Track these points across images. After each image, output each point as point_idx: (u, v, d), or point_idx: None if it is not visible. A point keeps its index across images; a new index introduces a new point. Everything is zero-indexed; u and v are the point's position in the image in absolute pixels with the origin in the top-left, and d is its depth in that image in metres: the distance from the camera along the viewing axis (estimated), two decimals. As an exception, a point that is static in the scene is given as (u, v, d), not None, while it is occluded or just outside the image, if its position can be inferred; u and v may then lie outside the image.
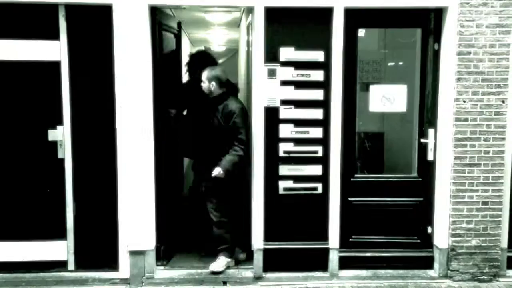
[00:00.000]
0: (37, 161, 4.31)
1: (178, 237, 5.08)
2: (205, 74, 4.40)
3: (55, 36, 4.17)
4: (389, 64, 5.00)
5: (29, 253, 4.32)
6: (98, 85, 4.29)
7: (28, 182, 4.32)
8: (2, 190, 4.32)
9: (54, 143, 4.27)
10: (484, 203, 4.33)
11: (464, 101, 4.25)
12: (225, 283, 4.34)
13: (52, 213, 4.33)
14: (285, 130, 4.36)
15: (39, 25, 4.19)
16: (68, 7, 4.15)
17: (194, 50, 5.07)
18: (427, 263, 4.55)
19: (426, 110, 4.48)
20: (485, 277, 4.40)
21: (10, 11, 4.15)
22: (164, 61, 4.75)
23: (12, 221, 4.33)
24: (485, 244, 4.36)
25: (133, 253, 4.29)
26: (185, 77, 5.44)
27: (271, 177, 4.38)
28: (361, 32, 4.42)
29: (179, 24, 5.42)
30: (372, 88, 4.48)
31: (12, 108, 4.29)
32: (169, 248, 4.69)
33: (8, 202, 4.33)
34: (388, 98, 4.43)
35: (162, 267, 4.49)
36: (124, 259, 4.31)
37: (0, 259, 4.30)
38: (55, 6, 4.14)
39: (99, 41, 4.22)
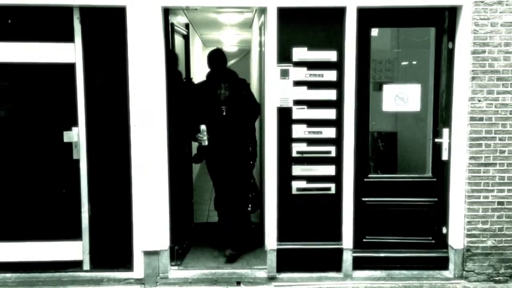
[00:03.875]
0: (53, 162, 4.36)
1: (192, 237, 5.12)
2: None
3: (70, 38, 4.21)
4: (403, 63, 4.96)
5: (45, 253, 4.37)
6: (113, 87, 4.33)
7: (44, 183, 4.37)
8: (19, 191, 4.38)
9: (69, 144, 4.31)
10: (500, 203, 4.29)
11: (479, 100, 4.21)
12: (238, 283, 4.36)
13: (67, 213, 4.37)
14: (298, 130, 4.35)
15: (54, 28, 4.24)
16: (83, 10, 4.19)
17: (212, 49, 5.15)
18: (442, 263, 4.51)
19: (440, 110, 4.44)
20: (501, 277, 4.35)
21: (26, 14, 4.21)
22: (176, 62, 4.78)
23: (29, 222, 4.39)
24: (500, 245, 4.32)
25: (147, 253, 4.33)
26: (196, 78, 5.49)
27: (284, 178, 4.38)
28: (374, 32, 4.39)
29: (187, 25, 5.46)
30: (386, 87, 4.45)
31: (29, 109, 4.34)
32: (183, 248, 4.72)
33: (25, 203, 4.39)
34: (401, 98, 4.40)
35: (176, 267, 4.52)
36: (138, 259, 4.34)
37: (17, 259, 4.36)
38: (70, 9, 4.19)
39: (113, 43, 4.26)
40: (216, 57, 4.80)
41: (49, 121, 4.34)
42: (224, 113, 4.66)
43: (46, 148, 4.36)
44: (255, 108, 4.89)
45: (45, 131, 4.35)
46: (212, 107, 4.67)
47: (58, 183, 4.37)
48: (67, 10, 4.19)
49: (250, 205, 4.89)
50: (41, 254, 4.37)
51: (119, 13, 4.15)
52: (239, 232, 4.81)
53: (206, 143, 4.64)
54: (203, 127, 4.61)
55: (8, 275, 4.34)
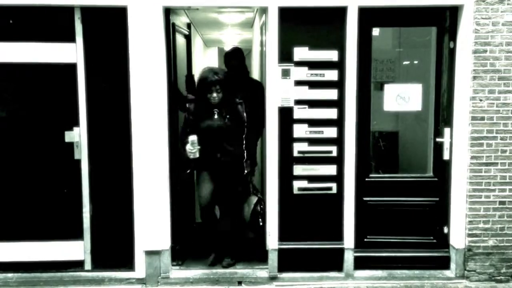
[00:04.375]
0: (54, 162, 4.36)
1: (193, 237, 5.12)
2: None
3: (71, 38, 4.22)
4: (404, 63, 4.96)
5: (46, 253, 4.38)
6: (114, 87, 4.33)
7: (45, 183, 4.38)
8: (20, 191, 4.38)
9: (71, 144, 4.32)
10: (501, 202, 4.28)
11: (481, 100, 4.21)
12: (240, 283, 4.35)
13: (69, 213, 4.38)
14: (299, 130, 4.35)
15: (56, 28, 4.24)
16: (84, 10, 4.20)
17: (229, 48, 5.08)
18: (444, 263, 4.51)
19: (441, 109, 4.44)
20: (503, 277, 4.35)
21: (27, 14, 4.21)
22: (178, 62, 4.78)
23: (30, 222, 4.39)
24: (502, 244, 4.32)
25: (149, 253, 4.33)
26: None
27: (286, 177, 4.38)
28: (375, 31, 4.39)
29: (189, 25, 5.45)
30: (387, 87, 4.45)
31: (30, 109, 4.35)
32: (184, 248, 4.72)
33: (26, 203, 4.39)
34: (403, 97, 4.40)
35: (177, 267, 4.52)
36: (140, 259, 4.34)
37: (19, 259, 4.37)
38: (71, 9, 4.19)
39: (115, 43, 4.26)
40: (224, 57, 4.76)
41: (51, 121, 4.34)
42: (215, 116, 4.30)
43: (47, 148, 4.36)
44: (258, 118, 4.51)
45: (46, 131, 4.35)
46: (205, 111, 4.29)
47: (59, 183, 4.37)
48: (68, 10, 4.19)
49: (260, 219, 4.53)
50: (42, 254, 4.38)
51: (120, 13, 4.16)
52: (236, 241, 4.68)
53: (197, 155, 4.18)
54: (192, 137, 4.14)
55: (9, 275, 4.35)
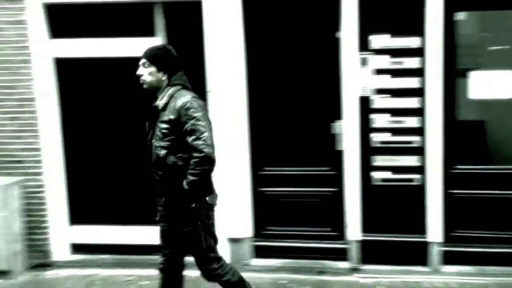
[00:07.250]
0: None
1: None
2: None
3: (152, 32, 4.42)
4: (491, 48, 4.71)
5: (135, 237, 4.65)
6: (191, 79, 4.47)
7: (135, 173, 4.58)
8: (119, 181, 4.70)
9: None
10: None
11: None
12: (320, 273, 4.32)
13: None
14: (379, 120, 4.27)
15: (139, 24, 4.46)
16: (164, 5, 4.40)
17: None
18: (540, 259, 4.19)
19: (534, 96, 4.17)
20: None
21: (113, 11, 4.47)
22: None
23: (123, 208, 4.70)
24: None
25: (232, 241, 4.42)
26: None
27: (366, 168, 4.31)
28: (460, 15, 4.23)
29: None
30: (473, 74, 4.26)
31: (115, 102, 4.62)
32: (265, 236, 4.75)
33: (120, 191, 4.69)
34: (491, 85, 4.19)
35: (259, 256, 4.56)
36: (223, 247, 4.40)
37: (111, 242, 4.70)
38: (152, 4, 4.41)
39: (191, 36, 4.39)
40: None
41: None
42: None
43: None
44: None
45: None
46: None
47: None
48: (150, 6, 4.41)
49: None
50: (132, 237, 4.66)
51: (196, 6, 4.29)
52: None
53: None
54: None
55: (105, 256, 4.68)
